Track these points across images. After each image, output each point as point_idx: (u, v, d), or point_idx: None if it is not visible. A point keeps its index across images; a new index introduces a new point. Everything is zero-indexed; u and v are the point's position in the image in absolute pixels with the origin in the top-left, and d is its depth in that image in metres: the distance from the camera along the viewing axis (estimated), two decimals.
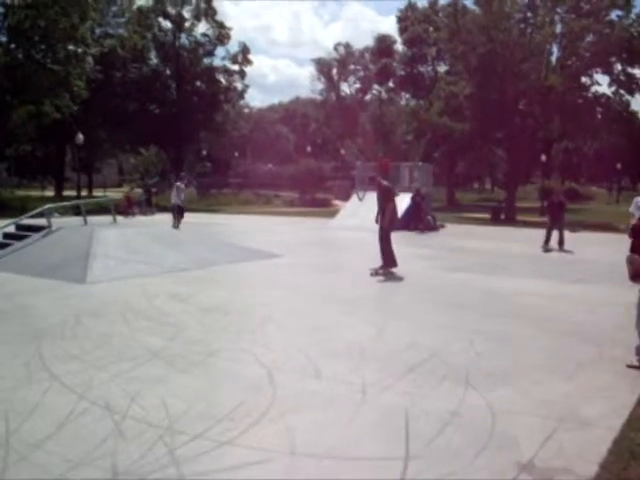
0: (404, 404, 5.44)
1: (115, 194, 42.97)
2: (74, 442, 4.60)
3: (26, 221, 16.07)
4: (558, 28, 38.01)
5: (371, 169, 32.85)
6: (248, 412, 5.21)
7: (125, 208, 30.87)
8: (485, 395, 5.70)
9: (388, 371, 6.43)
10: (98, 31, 45.21)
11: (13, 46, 35.57)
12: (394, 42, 78.76)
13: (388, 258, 13.23)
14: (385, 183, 13.36)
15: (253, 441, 4.66)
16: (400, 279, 13.00)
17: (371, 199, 28.75)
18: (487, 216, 35.86)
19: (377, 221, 13.56)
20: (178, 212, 24.67)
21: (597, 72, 38.19)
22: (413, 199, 27.21)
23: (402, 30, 69.14)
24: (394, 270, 13.23)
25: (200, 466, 4.26)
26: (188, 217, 25.50)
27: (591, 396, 5.81)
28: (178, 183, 26.67)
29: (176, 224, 23.83)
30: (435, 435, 4.81)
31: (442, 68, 61.48)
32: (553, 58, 38.49)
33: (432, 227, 27.31)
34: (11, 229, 15.67)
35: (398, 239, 23.13)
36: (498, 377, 6.27)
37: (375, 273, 13.11)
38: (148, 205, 35.95)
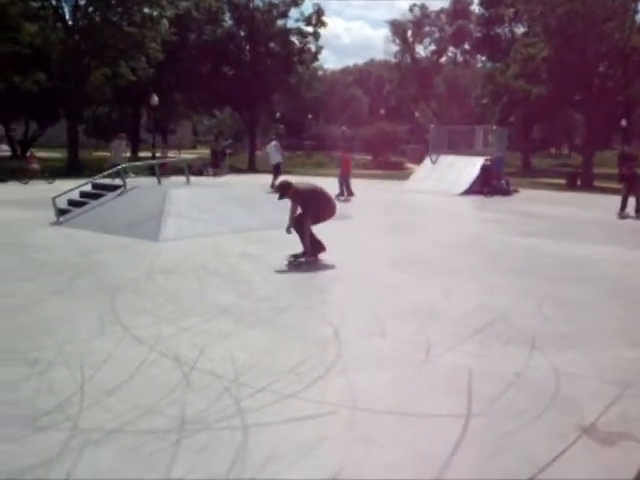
0: (468, 364, 5.45)
1: (189, 155, 43.41)
2: (144, 391, 4.78)
3: (102, 180, 16.43)
4: None
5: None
6: (312, 367, 5.31)
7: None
8: (550, 358, 5.66)
9: (453, 332, 6.44)
10: None
11: (91, 9, 36.02)
12: (470, 3, 77.24)
13: (310, 244, 10.34)
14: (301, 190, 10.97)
15: (316, 395, 4.75)
16: (464, 243, 12.89)
17: (444, 162, 28.67)
18: (563, 182, 35.06)
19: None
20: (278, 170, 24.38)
21: None
22: (482, 168, 26.52)
23: None
24: (320, 256, 10.41)
25: (263, 417, 4.38)
26: (261, 178, 25.44)
27: None
28: (275, 142, 26.22)
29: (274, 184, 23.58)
30: (498, 395, 4.82)
31: (519, 30, 59.95)
32: (638, 18, 37.05)
33: (505, 191, 26.79)
34: (87, 188, 16.03)
35: (469, 203, 23.10)
36: (565, 341, 6.22)
37: (294, 261, 10.23)
38: (218, 167, 36.08)
